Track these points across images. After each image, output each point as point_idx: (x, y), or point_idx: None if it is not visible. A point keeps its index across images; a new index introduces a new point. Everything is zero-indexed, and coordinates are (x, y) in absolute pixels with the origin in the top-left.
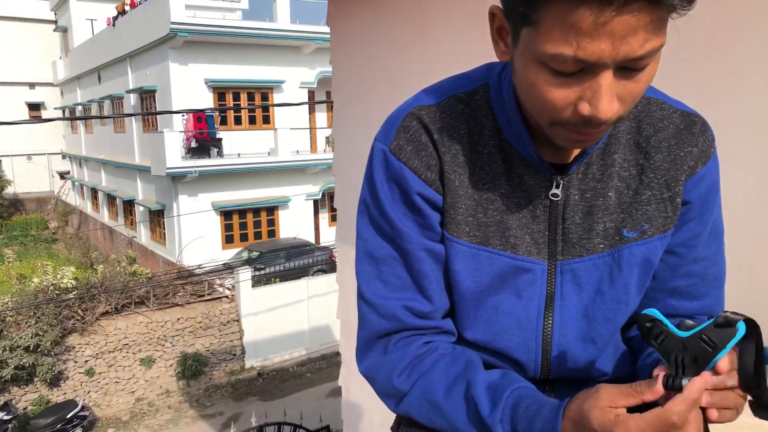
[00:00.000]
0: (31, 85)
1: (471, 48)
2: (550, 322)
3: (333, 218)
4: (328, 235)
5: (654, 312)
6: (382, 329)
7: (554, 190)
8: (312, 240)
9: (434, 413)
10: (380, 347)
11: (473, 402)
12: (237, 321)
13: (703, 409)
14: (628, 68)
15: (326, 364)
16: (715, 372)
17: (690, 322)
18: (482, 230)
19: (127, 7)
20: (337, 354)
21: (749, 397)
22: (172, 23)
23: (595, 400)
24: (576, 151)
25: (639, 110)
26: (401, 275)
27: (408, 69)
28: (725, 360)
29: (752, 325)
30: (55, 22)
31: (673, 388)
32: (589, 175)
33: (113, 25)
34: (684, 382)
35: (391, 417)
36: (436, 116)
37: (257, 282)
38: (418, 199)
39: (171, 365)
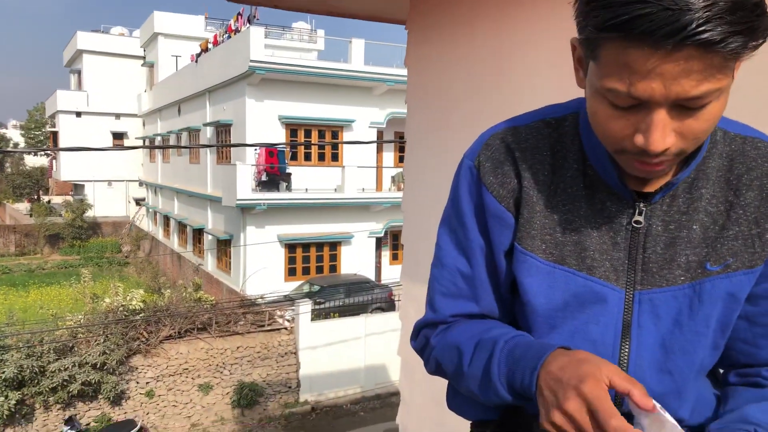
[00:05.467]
0: (117, 116)
1: (550, 93)
2: (627, 351)
3: (394, 256)
4: (389, 273)
5: None
6: (431, 320)
7: (637, 218)
8: (372, 277)
9: (454, 355)
10: (427, 330)
11: (479, 348)
12: (294, 353)
13: None
14: (684, 106)
15: (380, 404)
16: None
17: None
18: (559, 249)
19: (210, 45)
20: (392, 394)
21: None
22: (252, 61)
23: (597, 370)
24: (660, 181)
25: (733, 149)
26: (460, 285)
27: (484, 111)
28: None
29: None
30: (144, 57)
31: None
32: (674, 207)
33: (196, 61)
34: None
35: None
36: (521, 137)
37: (316, 316)
38: (489, 214)
39: (227, 393)
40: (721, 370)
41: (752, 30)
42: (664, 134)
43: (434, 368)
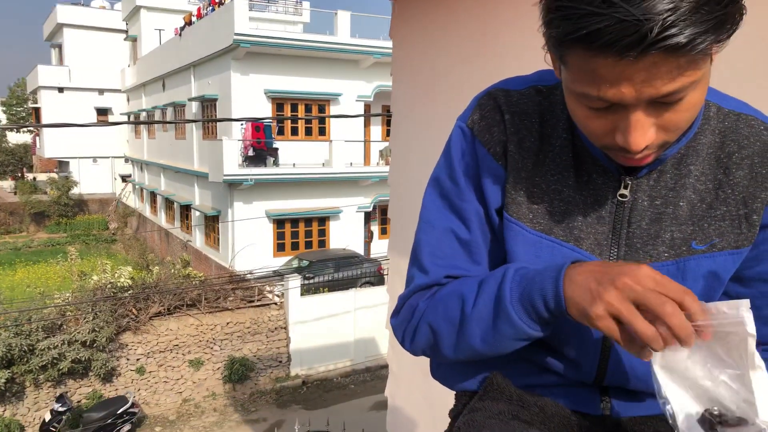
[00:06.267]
0: (101, 92)
1: (536, 64)
2: None
3: (383, 231)
4: (377, 248)
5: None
6: (422, 284)
7: (623, 191)
8: (361, 252)
9: (453, 304)
10: (415, 298)
11: (485, 282)
12: (284, 328)
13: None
14: (661, 102)
15: (370, 377)
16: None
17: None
18: (546, 219)
19: (194, 18)
20: (382, 367)
21: None
22: (236, 34)
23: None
24: None
25: (726, 126)
26: (454, 247)
27: (469, 82)
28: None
29: None
30: (126, 31)
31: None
32: (661, 183)
33: (180, 35)
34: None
35: (439, 428)
36: (512, 101)
37: (306, 291)
38: (484, 170)
39: (218, 368)
40: None
41: (722, 23)
42: (643, 132)
43: (423, 337)
